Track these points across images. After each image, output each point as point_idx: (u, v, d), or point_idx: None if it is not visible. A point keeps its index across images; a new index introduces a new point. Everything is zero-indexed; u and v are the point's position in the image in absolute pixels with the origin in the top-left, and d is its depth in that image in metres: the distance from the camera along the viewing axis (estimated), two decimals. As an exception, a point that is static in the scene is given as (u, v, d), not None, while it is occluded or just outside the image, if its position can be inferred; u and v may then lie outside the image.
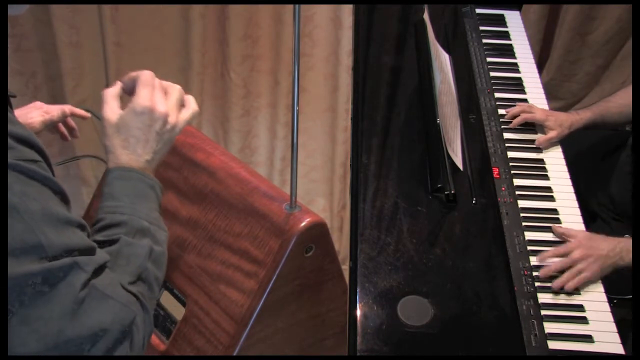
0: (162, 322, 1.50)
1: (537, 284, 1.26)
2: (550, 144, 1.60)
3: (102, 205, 0.96)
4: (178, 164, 1.57)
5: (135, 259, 0.91)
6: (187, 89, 1.10)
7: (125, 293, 0.86)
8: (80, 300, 0.79)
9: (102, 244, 0.89)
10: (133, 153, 0.99)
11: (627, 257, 1.32)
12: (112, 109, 1.01)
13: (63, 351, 0.78)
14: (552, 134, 1.58)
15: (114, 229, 0.93)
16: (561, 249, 1.34)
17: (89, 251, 0.83)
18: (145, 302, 0.90)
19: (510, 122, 1.63)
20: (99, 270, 0.83)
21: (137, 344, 0.85)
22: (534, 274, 1.28)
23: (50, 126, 1.39)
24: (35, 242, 0.76)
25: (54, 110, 1.38)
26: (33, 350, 0.76)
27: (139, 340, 0.86)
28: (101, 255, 0.86)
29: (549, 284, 1.27)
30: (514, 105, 1.67)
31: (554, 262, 1.31)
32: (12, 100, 0.89)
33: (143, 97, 0.99)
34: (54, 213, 0.79)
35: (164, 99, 1.02)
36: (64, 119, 1.41)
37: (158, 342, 1.48)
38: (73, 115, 1.43)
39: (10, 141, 0.78)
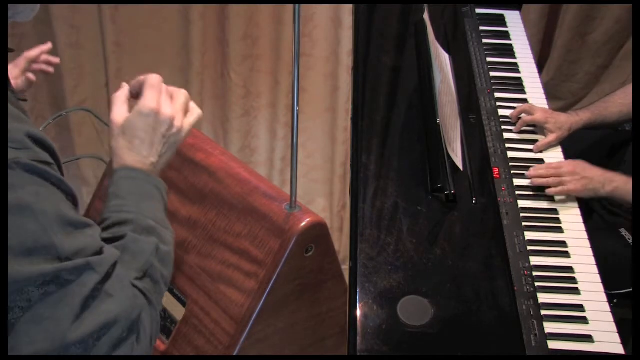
0: (162, 322, 1.50)
1: (537, 284, 1.26)
2: (549, 147, 1.60)
3: (107, 205, 0.96)
4: (178, 164, 1.57)
5: (141, 255, 0.91)
6: (187, 89, 1.10)
7: (131, 288, 0.86)
8: (89, 300, 0.79)
9: (109, 241, 0.89)
10: (138, 155, 0.99)
11: (608, 187, 1.45)
12: (119, 112, 1.01)
13: (69, 349, 0.78)
14: (551, 137, 1.59)
15: (120, 227, 0.93)
16: (554, 164, 1.50)
17: (99, 251, 0.84)
18: (151, 297, 0.89)
19: (513, 123, 1.63)
20: (110, 270, 0.83)
21: (144, 339, 0.85)
22: (534, 274, 1.28)
23: (20, 93, 1.37)
24: (49, 242, 0.77)
25: (14, 74, 1.36)
26: (40, 349, 0.77)
27: (146, 335, 0.86)
28: (111, 253, 0.86)
29: (549, 284, 1.28)
30: (514, 106, 1.67)
31: (542, 167, 1.49)
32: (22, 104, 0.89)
33: (150, 99, 0.99)
34: (66, 215, 0.80)
35: (170, 103, 1.02)
36: (29, 84, 1.39)
37: (158, 342, 1.49)
38: (35, 62, 1.40)
39: (27, 141, 0.79)
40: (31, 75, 1.38)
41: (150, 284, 0.91)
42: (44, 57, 1.41)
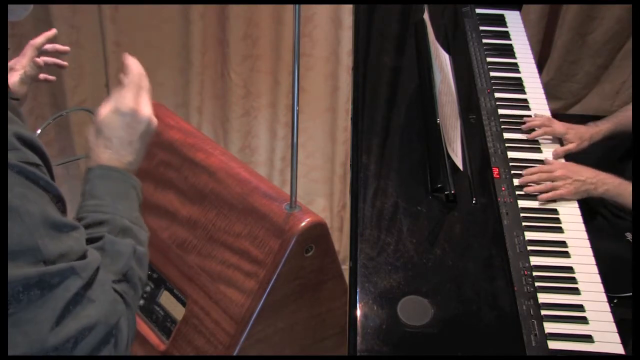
0: (162, 322, 1.50)
1: (537, 284, 1.26)
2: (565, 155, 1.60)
3: (83, 204, 0.95)
4: (178, 164, 1.57)
5: (120, 257, 0.90)
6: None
7: (112, 293, 0.86)
8: (70, 305, 0.79)
9: (86, 242, 0.88)
10: (115, 153, 0.98)
11: (601, 189, 1.47)
12: (104, 108, 1.00)
13: (48, 353, 0.77)
14: (571, 145, 1.58)
15: (96, 228, 0.92)
16: (545, 167, 1.49)
17: (83, 255, 0.83)
18: (129, 301, 0.89)
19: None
20: (94, 275, 0.83)
21: (121, 343, 0.84)
22: (534, 274, 1.28)
23: (31, 81, 1.35)
24: (33, 245, 0.76)
25: (22, 63, 1.33)
26: (20, 352, 0.76)
27: (123, 339, 0.85)
28: (95, 257, 0.85)
29: (549, 284, 1.28)
30: (514, 105, 1.67)
31: (534, 172, 1.47)
32: (15, 103, 0.89)
33: (128, 98, 0.99)
34: (51, 217, 0.79)
35: (149, 101, 1.01)
36: (39, 69, 1.36)
37: (158, 342, 1.49)
38: (46, 52, 1.38)
39: (16, 142, 0.78)
40: (39, 60, 1.35)
41: (128, 287, 0.90)
42: (50, 45, 1.39)
